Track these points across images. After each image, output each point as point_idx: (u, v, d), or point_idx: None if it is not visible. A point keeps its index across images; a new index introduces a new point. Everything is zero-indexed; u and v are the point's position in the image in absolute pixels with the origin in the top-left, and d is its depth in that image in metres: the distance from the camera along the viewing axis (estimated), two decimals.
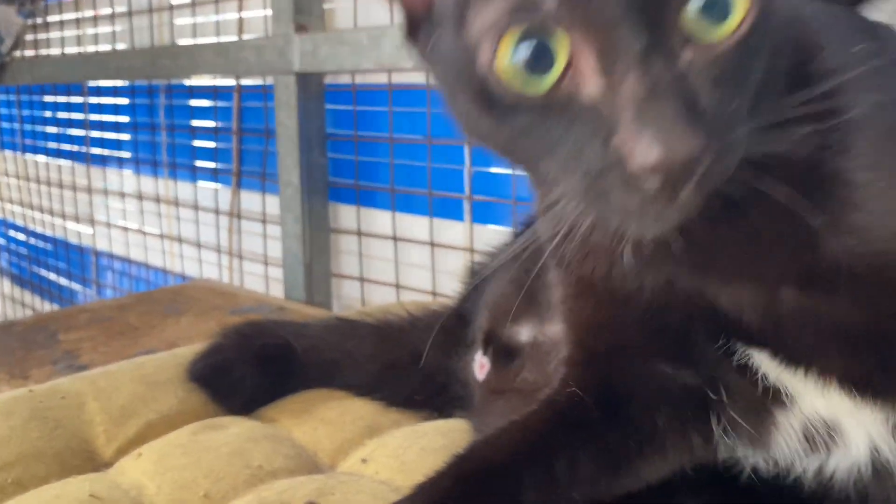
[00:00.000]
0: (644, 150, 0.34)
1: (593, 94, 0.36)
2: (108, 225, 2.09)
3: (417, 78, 1.10)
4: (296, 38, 1.29)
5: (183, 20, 1.68)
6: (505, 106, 0.39)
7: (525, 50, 0.37)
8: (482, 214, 1.21)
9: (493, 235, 1.17)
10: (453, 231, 1.25)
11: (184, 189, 1.79)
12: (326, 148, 1.39)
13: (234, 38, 1.54)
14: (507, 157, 0.44)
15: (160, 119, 1.81)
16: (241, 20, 1.54)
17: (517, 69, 0.37)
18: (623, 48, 0.35)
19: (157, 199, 1.87)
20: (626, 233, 0.40)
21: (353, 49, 1.20)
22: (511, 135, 0.40)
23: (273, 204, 1.47)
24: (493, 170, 1.17)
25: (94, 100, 2.05)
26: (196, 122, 1.72)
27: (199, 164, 1.72)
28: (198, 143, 1.72)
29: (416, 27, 0.45)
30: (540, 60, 0.37)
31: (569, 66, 0.37)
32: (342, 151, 1.40)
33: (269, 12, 1.36)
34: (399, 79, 1.19)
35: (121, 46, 1.87)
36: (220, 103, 1.65)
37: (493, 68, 0.38)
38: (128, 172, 1.98)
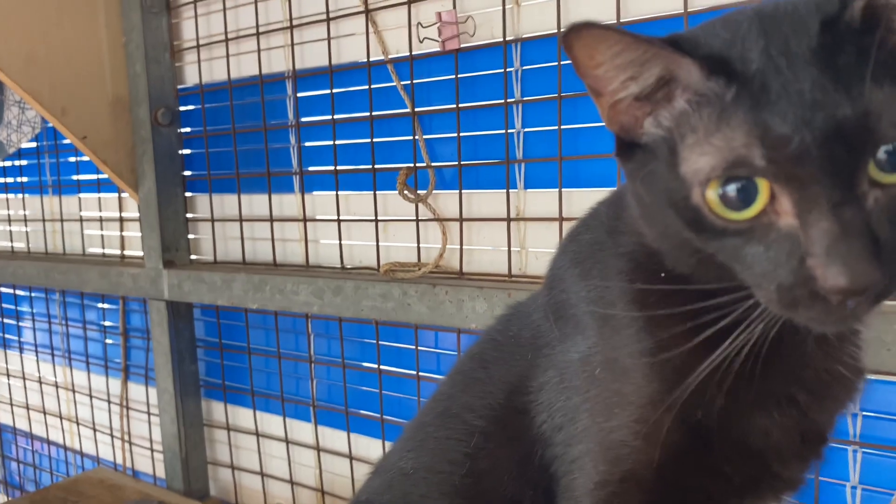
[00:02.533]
0: (833, 277, 0.42)
1: (791, 226, 0.44)
2: (11, 403, 2.25)
3: (268, 303, 1.37)
4: (164, 272, 1.54)
5: (73, 226, 1.92)
6: (714, 229, 0.46)
7: (732, 190, 0.45)
8: (326, 419, 1.47)
9: (336, 438, 1.44)
10: (305, 431, 1.50)
11: (79, 377, 1.99)
12: (197, 356, 1.64)
13: (117, 254, 1.78)
14: (690, 261, 0.50)
15: (56, 316, 2.02)
16: (122, 238, 1.79)
17: (724, 202, 0.45)
18: (818, 200, 0.42)
19: (56, 385, 2.06)
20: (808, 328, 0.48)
21: (210, 287, 1.46)
22: (718, 250, 0.47)
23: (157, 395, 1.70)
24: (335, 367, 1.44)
25: None
26: (89, 321, 1.93)
27: (92, 357, 1.93)
28: (91, 336, 1.93)
29: (627, 150, 0.52)
30: (744, 197, 0.44)
31: (770, 201, 0.44)
32: (214, 356, 1.65)
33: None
34: (253, 305, 1.44)
35: (19, 245, 2.08)
36: (108, 306, 1.87)
37: (705, 200, 0.46)
38: (29, 357, 2.17)
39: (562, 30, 0.53)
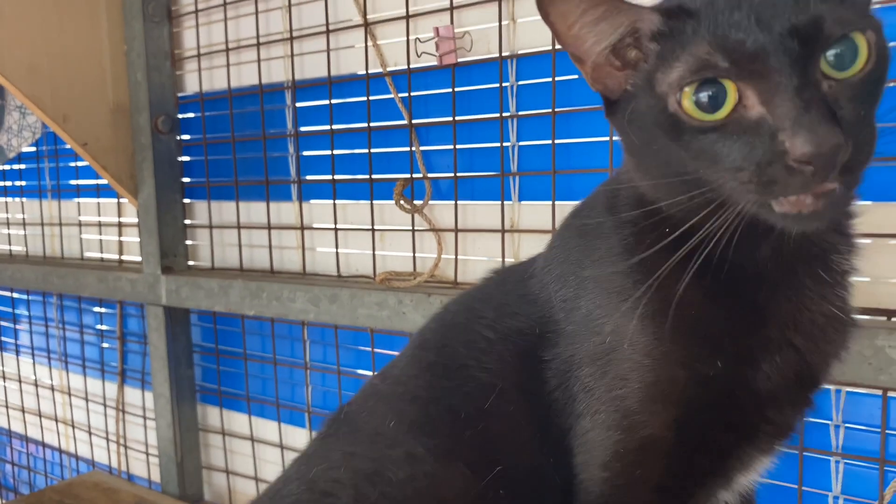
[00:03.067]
0: (802, 144, 0.47)
1: (760, 114, 0.50)
2: (7, 406, 2.26)
3: (265, 310, 1.39)
4: (162, 278, 1.56)
5: (71, 230, 1.93)
6: (692, 130, 0.52)
7: (704, 97, 0.51)
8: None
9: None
10: (300, 436, 1.51)
11: (76, 380, 2.00)
12: (193, 361, 1.65)
13: (115, 258, 1.80)
14: (687, 172, 0.54)
15: (53, 319, 2.03)
16: (120, 243, 1.80)
17: (698, 106, 0.51)
18: (780, 88, 0.49)
19: (52, 388, 2.07)
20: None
21: (207, 293, 1.48)
22: (697, 150, 0.52)
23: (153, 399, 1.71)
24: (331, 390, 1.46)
25: None
26: (86, 325, 1.95)
27: (88, 361, 1.94)
28: (87, 340, 1.95)
29: (613, 107, 0.59)
30: (714, 101, 0.51)
31: (738, 100, 0.51)
32: (210, 361, 1.66)
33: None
34: (250, 312, 1.46)
35: (17, 249, 2.10)
36: (105, 310, 1.89)
37: (682, 107, 0.52)
38: (25, 360, 2.18)
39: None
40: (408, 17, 1.23)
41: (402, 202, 1.24)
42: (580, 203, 0.71)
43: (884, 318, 0.88)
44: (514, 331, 0.67)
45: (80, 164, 1.86)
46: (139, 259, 1.61)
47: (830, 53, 0.51)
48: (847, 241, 0.61)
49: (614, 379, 0.59)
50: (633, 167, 0.62)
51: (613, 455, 0.59)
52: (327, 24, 1.34)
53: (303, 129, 1.43)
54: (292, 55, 1.40)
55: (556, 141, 1.11)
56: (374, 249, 1.33)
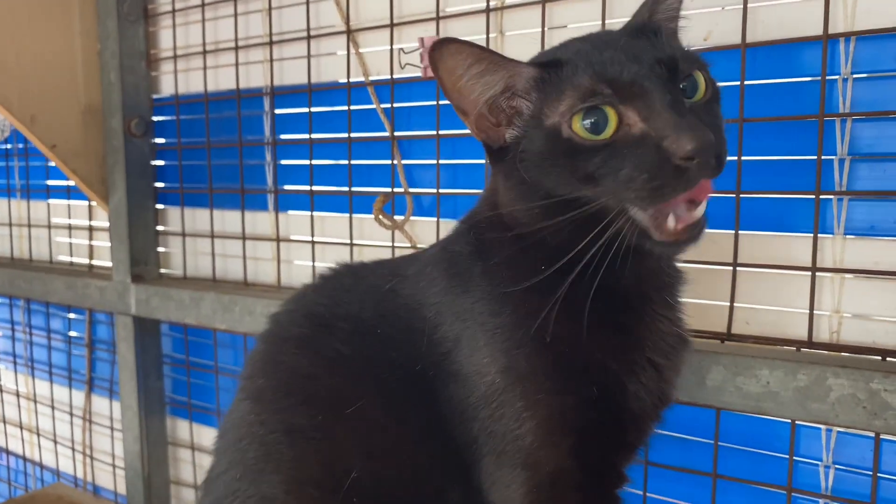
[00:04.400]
0: (685, 143, 0.56)
1: (642, 130, 0.58)
2: None
3: (237, 324, 1.33)
4: (132, 286, 1.50)
5: (41, 232, 1.87)
6: (586, 151, 0.60)
7: (588, 123, 0.59)
8: None
9: None
10: None
11: (42, 387, 1.93)
12: (163, 372, 1.60)
13: (85, 263, 1.74)
14: (580, 189, 0.61)
15: (20, 323, 1.96)
16: (90, 247, 1.74)
17: (587, 129, 0.59)
18: (657, 104, 0.58)
19: (17, 394, 2.00)
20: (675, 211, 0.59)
21: (178, 305, 1.42)
22: (587, 169, 0.59)
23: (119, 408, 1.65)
24: None
25: None
26: (54, 330, 1.88)
27: (56, 368, 1.87)
28: (55, 346, 1.88)
29: (496, 154, 0.66)
30: (599, 126, 0.59)
31: (620, 121, 0.59)
32: (180, 373, 1.61)
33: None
34: (221, 326, 1.41)
35: None
36: (74, 316, 1.82)
37: (572, 130, 0.60)
38: None
39: (432, 46, 0.62)
40: (392, 25, 1.18)
41: (381, 218, 1.19)
42: (449, 238, 0.75)
43: (878, 359, 0.85)
44: (382, 356, 0.68)
45: (50, 164, 1.80)
46: (110, 264, 1.56)
47: (682, 84, 0.62)
48: (681, 274, 0.73)
49: (511, 419, 0.63)
50: (515, 202, 0.66)
51: (527, 493, 0.63)
52: (308, 29, 1.29)
53: (281, 136, 1.38)
54: (271, 60, 1.35)
55: None
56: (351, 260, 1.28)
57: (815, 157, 0.86)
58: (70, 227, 1.79)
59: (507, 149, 0.65)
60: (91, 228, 1.73)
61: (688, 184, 0.57)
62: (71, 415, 1.84)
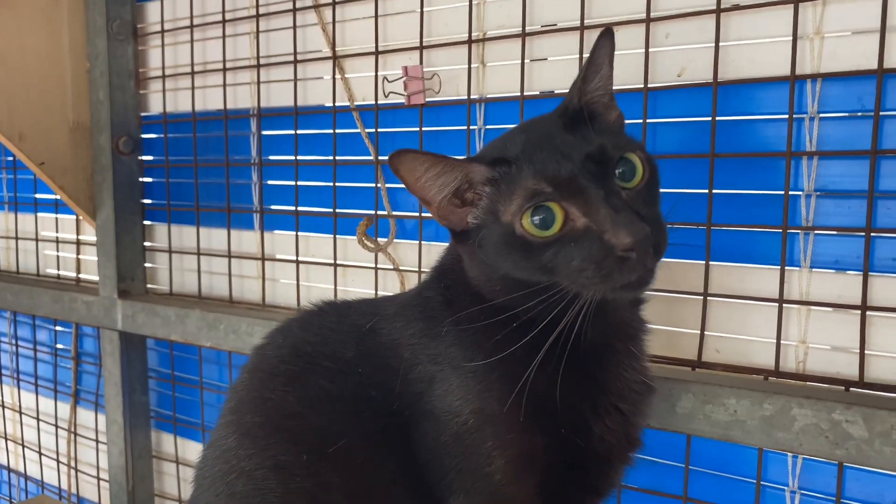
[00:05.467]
0: (623, 237, 0.62)
1: (585, 224, 0.64)
2: None
3: (222, 342, 1.35)
4: (119, 302, 1.52)
5: (28, 244, 1.88)
6: (538, 246, 0.65)
7: (538, 219, 0.65)
8: None
9: None
10: None
11: (27, 398, 1.94)
12: (149, 386, 1.61)
13: (72, 277, 1.75)
14: (538, 276, 0.67)
15: (6, 335, 1.97)
16: (78, 261, 1.76)
17: (536, 226, 0.65)
18: (594, 201, 0.63)
19: (2, 405, 2.01)
20: (621, 289, 0.64)
21: (164, 321, 1.44)
22: (546, 261, 0.65)
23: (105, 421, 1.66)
24: None
25: None
26: (40, 342, 1.89)
27: (41, 380, 1.88)
28: (41, 358, 1.89)
29: (460, 236, 0.72)
30: (546, 222, 0.65)
31: (565, 217, 0.64)
32: (166, 388, 1.62)
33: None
34: (206, 343, 1.43)
35: None
36: (61, 328, 1.84)
37: (524, 228, 0.65)
38: None
39: (390, 156, 0.68)
40: (377, 53, 1.21)
41: (365, 241, 1.21)
42: (425, 283, 0.80)
43: (842, 389, 0.88)
44: (363, 395, 0.72)
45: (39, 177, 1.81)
46: (96, 278, 1.57)
47: (618, 171, 0.66)
48: (645, 325, 0.77)
49: (481, 457, 0.67)
50: (479, 277, 0.72)
51: None
52: (295, 53, 1.31)
53: (267, 157, 1.40)
54: (258, 82, 1.37)
55: None
56: (335, 284, 1.31)
57: (783, 193, 0.89)
58: (57, 241, 1.80)
59: (468, 232, 0.71)
60: (79, 242, 1.75)
61: (633, 270, 0.63)
62: (56, 427, 1.85)
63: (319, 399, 0.72)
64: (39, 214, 1.84)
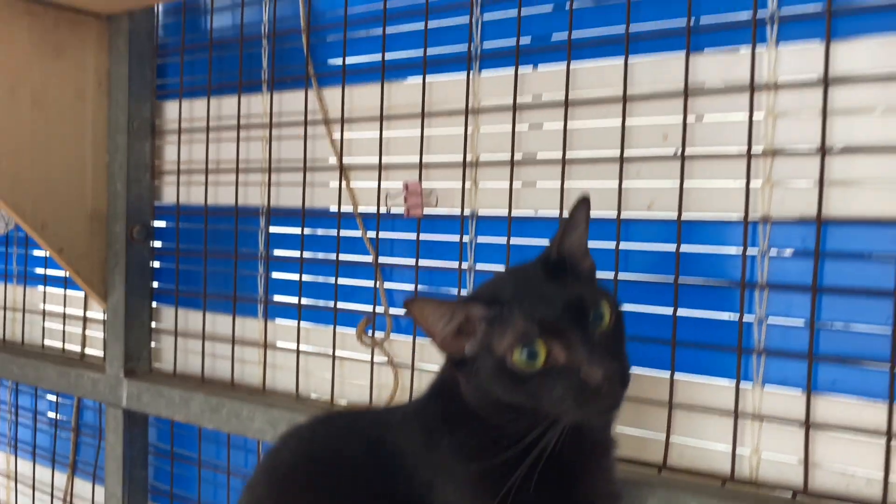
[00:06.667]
0: (596, 373, 0.73)
1: (565, 360, 0.74)
2: None
3: (224, 425, 1.44)
4: (125, 381, 1.60)
5: (34, 317, 1.96)
6: (525, 377, 0.76)
7: (526, 353, 0.75)
8: None
9: None
10: None
11: (24, 466, 2.00)
12: (148, 461, 1.69)
13: (77, 350, 1.84)
14: (525, 401, 0.77)
15: (6, 403, 2.04)
16: (84, 337, 1.84)
17: (524, 360, 0.75)
18: (572, 341, 0.74)
19: None
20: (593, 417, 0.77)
21: (168, 402, 1.53)
22: (532, 390, 0.75)
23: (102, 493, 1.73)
24: None
25: None
26: (40, 411, 1.96)
27: (39, 449, 1.95)
28: (40, 428, 1.96)
29: (459, 364, 0.82)
30: (534, 355, 0.75)
31: (548, 353, 0.75)
32: (165, 463, 1.70)
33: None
34: (209, 426, 1.51)
35: None
36: (62, 399, 1.91)
37: (514, 361, 0.76)
38: None
39: (405, 302, 0.80)
40: (380, 167, 1.34)
41: (363, 338, 1.32)
42: (425, 396, 0.90)
43: (789, 497, 0.99)
44: (370, 499, 0.82)
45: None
46: (101, 353, 1.66)
47: (591, 315, 0.77)
48: (615, 441, 0.87)
49: None
50: (473, 398, 0.82)
51: None
52: (305, 161, 1.44)
53: (274, 252, 1.51)
54: (269, 184, 1.50)
55: None
56: (333, 374, 1.41)
57: (738, 319, 1.02)
58: (64, 316, 1.88)
59: (465, 361, 0.82)
60: (85, 319, 1.84)
61: (604, 400, 0.75)
62: (52, 497, 1.91)
63: (332, 501, 0.82)
64: (48, 289, 1.93)
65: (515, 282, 0.82)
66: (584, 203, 0.84)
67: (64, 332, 1.89)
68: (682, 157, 1.06)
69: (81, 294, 1.83)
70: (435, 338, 0.82)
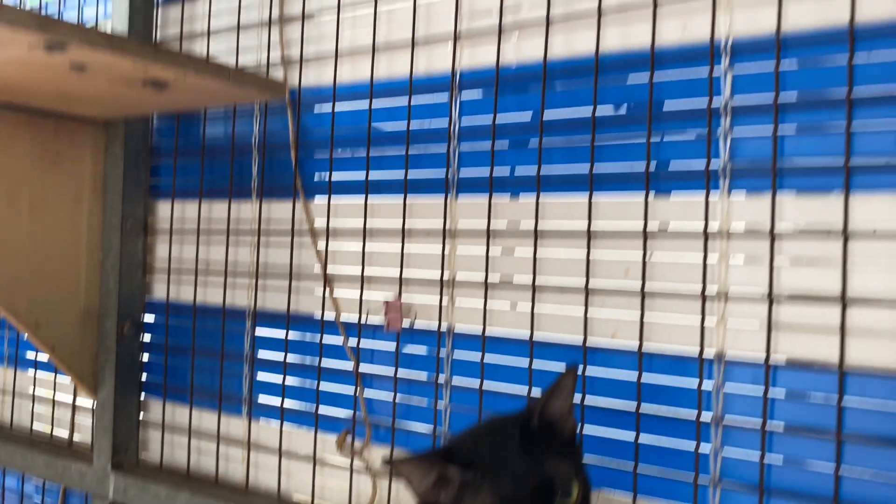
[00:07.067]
0: None
1: None
2: None
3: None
4: (112, 474, 1.64)
5: (23, 400, 2.00)
6: None
7: None
8: None
9: None
10: None
11: None
12: None
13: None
14: None
15: None
16: (73, 424, 1.88)
17: None
18: None
19: None
20: None
21: (154, 497, 1.56)
22: None
23: None
24: None
25: None
26: (27, 493, 1.99)
27: None
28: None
29: None
30: None
31: None
32: None
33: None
34: None
35: None
36: (50, 485, 1.94)
37: None
38: None
39: (395, 463, 0.92)
40: (362, 282, 1.40)
41: (343, 448, 1.37)
42: None
43: None
44: None
45: None
46: (89, 440, 1.69)
47: (559, 495, 0.84)
48: None
49: None
50: None
51: None
52: (291, 268, 1.50)
53: (259, 353, 1.57)
54: (255, 287, 1.56)
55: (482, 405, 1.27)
56: (314, 477, 1.45)
57: (693, 450, 1.08)
58: (54, 402, 1.93)
59: None
60: (74, 406, 1.88)
61: None
62: None
63: None
64: (39, 374, 1.98)
65: (493, 446, 0.88)
66: (571, 371, 0.92)
67: (53, 417, 1.93)
68: (643, 295, 1.13)
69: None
70: (416, 490, 0.89)
